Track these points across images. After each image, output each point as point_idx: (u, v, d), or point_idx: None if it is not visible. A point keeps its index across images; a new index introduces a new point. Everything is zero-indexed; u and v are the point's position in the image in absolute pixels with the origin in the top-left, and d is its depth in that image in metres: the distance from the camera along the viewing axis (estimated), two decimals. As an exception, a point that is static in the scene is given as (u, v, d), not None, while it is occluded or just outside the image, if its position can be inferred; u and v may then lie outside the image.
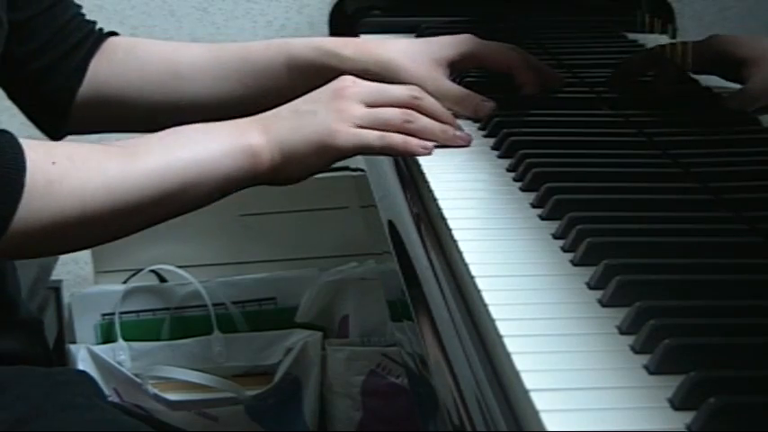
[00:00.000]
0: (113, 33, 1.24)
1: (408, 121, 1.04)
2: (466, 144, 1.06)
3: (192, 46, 1.24)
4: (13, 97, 1.21)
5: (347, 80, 1.06)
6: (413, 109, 1.05)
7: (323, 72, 1.15)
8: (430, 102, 1.06)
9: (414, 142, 1.03)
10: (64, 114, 1.19)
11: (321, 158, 1.02)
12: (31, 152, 0.94)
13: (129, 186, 0.97)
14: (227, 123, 1.03)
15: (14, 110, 2.16)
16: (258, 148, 1.01)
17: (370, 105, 1.04)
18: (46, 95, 1.19)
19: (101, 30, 1.23)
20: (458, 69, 1.20)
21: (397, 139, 1.03)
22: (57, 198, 0.94)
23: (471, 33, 1.26)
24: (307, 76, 1.17)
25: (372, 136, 1.02)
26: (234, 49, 1.22)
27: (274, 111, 1.05)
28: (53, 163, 0.95)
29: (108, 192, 0.96)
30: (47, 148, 0.97)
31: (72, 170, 0.95)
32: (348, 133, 1.01)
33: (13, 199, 0.92)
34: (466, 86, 1.23)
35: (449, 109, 1.09)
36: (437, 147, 1.05)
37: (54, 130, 1.21)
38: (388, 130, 1.03)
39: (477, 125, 1.13)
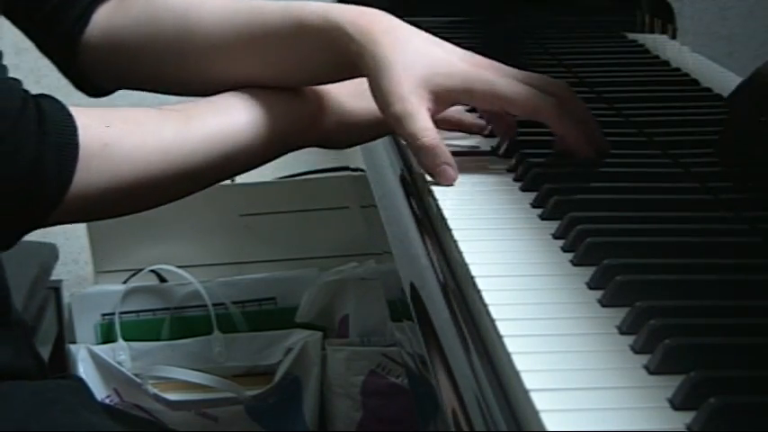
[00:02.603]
0: None
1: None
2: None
3: (207, 3, 1.13)
4: (37, 44, 1.17)
5: None
6: None
7: (325, 43, 1.03)
8: None
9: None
10: (74, 53, 1.14)
11: (378, 129, 1.05)
12: (83, 117, 0.94)
13: (185, 150, 0.98)
14: (287, 90, 1.04)
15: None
16: (316, 114, 1.03)
17: None
18: (56, 37, 1.15)
19: None
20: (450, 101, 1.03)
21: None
22: (113, 160, 0.95)
23: (472, 33, 1.27)
24: (311, 45, 1.04)
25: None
26: (248, 9, 1.10)
27: (335, 85, 1.06)
28: (107, 126, 0.95)
29: (164, 155, 0.97)
30: (100, 112, 0.97)
31: (127, 133, 0.96)
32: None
33: (70, 163, 0.92)
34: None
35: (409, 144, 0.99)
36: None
37: (68, 66, 1.17)
38: None
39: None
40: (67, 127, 0.93)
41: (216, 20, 1.10)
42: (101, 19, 1.15)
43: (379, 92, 0.99)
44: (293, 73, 1.06)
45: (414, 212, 0.99)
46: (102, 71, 1.17)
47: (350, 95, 1.04)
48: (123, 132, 0.96)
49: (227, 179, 1.04)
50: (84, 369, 1.97)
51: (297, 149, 1.05)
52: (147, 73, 1.14)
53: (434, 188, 0.96)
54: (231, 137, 1.00)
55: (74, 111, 0.95)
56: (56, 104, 0.95)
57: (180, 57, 1.12)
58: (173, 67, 1.13)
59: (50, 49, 1.17)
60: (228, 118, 1.01)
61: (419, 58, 1.00)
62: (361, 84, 1.01)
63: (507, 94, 0.99)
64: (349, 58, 1.01)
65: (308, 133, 1.04)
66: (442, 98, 0.99)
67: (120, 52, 1.14)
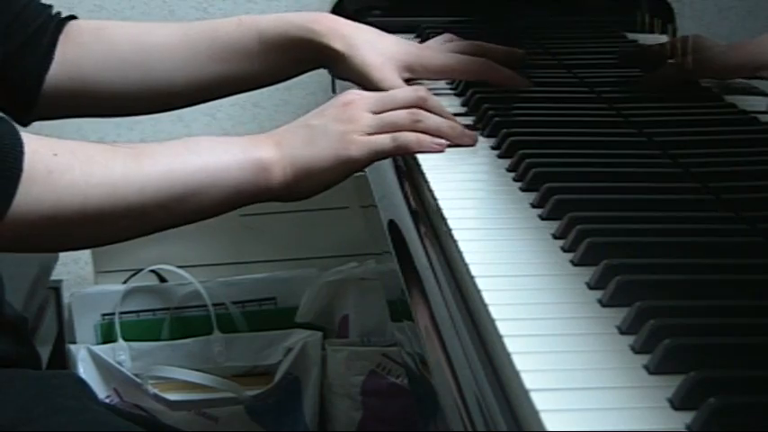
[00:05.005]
0: (73, 17, 1.23)
1: (417, 121, 1.04)
2: (472, 143, 1.07)
3: (160, 26, 1.24)
4: None
5: (352, 93, 1.07)
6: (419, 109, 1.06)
7: (294, 46, 1.20)
8: (435, 102, 1.07)
9: (427, 140, 1.04)
10: (33, 100, 1.18)
11: (336, 172, 1.02)
12: (32, 142, 0.93)
13: (133, 187, 0.96)
14: (240, 137, 1.03)
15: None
16: (269, 162, 1.00)
17: (378, 113, 1.04)
18: (12, 83, 1.17)
19: (59, 13, 1.22)
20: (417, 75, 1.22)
21: (410, 137, 1.03)
22: (57, 189, 0.93)
23: (471, 33, 1.27)
24: (278, 51, 1.20)
25: (385, 140, 1.02)
26: (203, 28, 1.22)
27: (285, 127, 1.05)
28: (55, 154, 0.94)
29: (111, 189, 0.95)
30: (49, 141, 0.96)
31: (75, 163, 0.94)
32: (361, 142, 1.02)
33: (11, 184, 0.91)
34: (465, 87, 1.23)
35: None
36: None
37: (23, 116, 1.20)
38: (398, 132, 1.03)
39: (477, 125, 1.13)
40: (14, 150, 0.92)
41: (169, 37, 1.21)
42: (58, 54, 1.19)
43: (355, 68, 1.18)
44: (255, 76, 1.21)
45: (413, 212, 0.99)
46: (61, 105, 1.20)
47: (302, 144, 1.02)
48: (70, 162, 0.94)
49: (181, 224, 1.01)
50: (84, 369, 1.97)
51: (257, 201, 1.02)
52: (108, 97, 1.20)
53: (435, 188, 0.97)
54: (181, 179, 0.98)
55: (24, 136, 0.93)
56: (5, 128, 0.94)
57: (141, 74, 1.19)
58: (135, 86, 1.19)
59: (4, 94, 1.18)
60: (180, 159, 0.98)
61: (379, 43, 1.20)
62: (311, 131, 1.03)
63: (453, 66, 1.21)
64: (315, 52, 1.19)
65: (265, 183, 1.01)
66: (402, 71, 1.19)
67: (80, 82, 1.19)
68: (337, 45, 1.19)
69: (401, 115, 1.04)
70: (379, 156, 1.03)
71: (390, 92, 1.08)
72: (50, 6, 1.22)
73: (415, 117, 1.04)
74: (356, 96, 1.06)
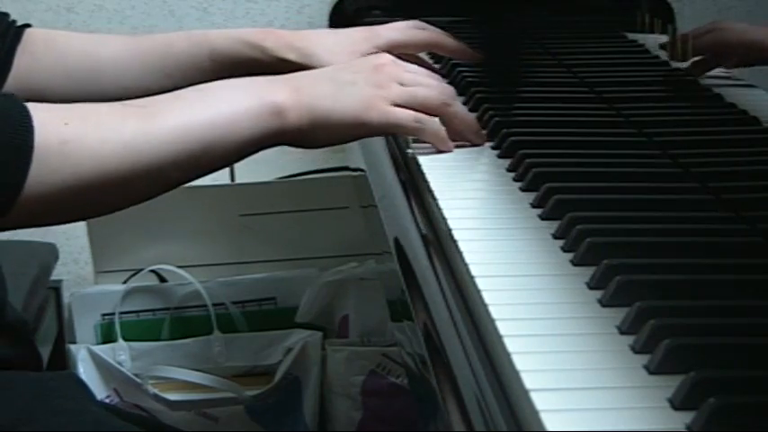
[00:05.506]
0: (28, 25, 1.22)
1: (447, 104, 1.05)
2: (483, 143, 1.08)
3: (112, 39, 1.24)
4: None
5: (387, 57, 1.08)
6: None
7: (246, 64, 1.20)
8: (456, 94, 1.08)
9: (444, 136, 1.04)
10: None
11: (350, 130, 1.03)
12: (41, 113, 0.93)
13: (148, 147, 0.95)
14: (256, 80, 1.03)
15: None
16: (285, 107, 1.00)
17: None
18: None
19: (14, 21, 1.22)
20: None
21: (431, 126, 1.04)
22: (72, 158, 0.92)
23: (471, 33, 1.27)
24: (230, 68, 1.20)
25: (408, 117, 1.02)
26: (155, 42, 1.22)
27: (308, 73, 1.05)
28: (66, 124, 0.93)
29: (126, 152, 0.94)
30: (59, 109, 0.95)
31: (88, 130, 0.94)
32: (383, 110, 1.02)
33: (24, 161, 0.91)
34: (465, 87, 1.23)
35: None
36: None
37: None
38: (424, 112, 1.03)
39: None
40: (23, 124, 0.92)
41: (121, 50, 1.21)
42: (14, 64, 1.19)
43: None
44: None
45: (413, 212, 0.99)
46: None
47: (326, 95, 1.02)
48: (83, 129, 0.94)
49: (196, 179, 1.01)
50: (84, 369, 1.97)
51: (269, 146, 1.02)
52: None
53: (435, 188, 0.96)
54: (195, 134, 0.97)
55: (32, 108, 0.93)
56: (12, 103, 0.93)
57: (90, 85, 1.19)
58: (84, 97, 1.17)
59: None
60: (193, 113, 0.98)
61: (337, 45, 1.21)
62: (338, 85, 1.03)
63: (405, 41, 1.25)
64: (267, 66, 1.18)
65: (280, 128, 1.00)
66: None
67: (29, 92, 1.16)
68: (291, 56, 1.19)
69: (432, 94, 1.04)
70: (394, 129, 1.04)
71: (424, 71, 1.09)
72: (7, 14, 1.22)
73: (446, 99, 1.05)
74: (390, 62, 1.06)
